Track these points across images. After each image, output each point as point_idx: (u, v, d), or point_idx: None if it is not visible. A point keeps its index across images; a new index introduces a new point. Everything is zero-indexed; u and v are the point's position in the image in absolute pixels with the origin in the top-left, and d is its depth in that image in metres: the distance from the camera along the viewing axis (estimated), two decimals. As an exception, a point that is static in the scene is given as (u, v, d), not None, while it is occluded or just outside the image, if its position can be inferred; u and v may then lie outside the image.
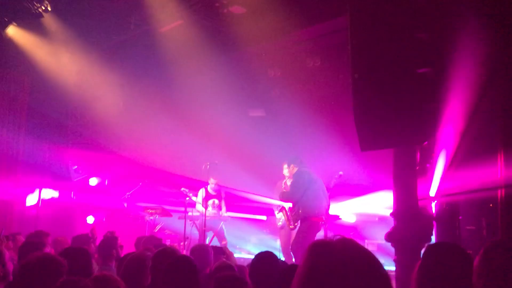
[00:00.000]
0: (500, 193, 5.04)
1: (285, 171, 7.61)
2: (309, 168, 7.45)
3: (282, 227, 7.89)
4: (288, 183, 7.58)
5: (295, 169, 7.40)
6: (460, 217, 5.11)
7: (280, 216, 7.91)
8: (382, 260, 1.20)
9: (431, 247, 2.35)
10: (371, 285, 1.13)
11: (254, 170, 9.49)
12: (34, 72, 9.13)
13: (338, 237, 1.22)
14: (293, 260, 7.53)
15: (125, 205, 9.47)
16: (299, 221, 7.10)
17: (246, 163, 9.45)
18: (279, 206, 7.63)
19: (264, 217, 9.19)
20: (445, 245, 2.90)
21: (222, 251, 4.68)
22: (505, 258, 2.43)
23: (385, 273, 1.18)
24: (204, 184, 8.59)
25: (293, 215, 7.17)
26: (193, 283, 2.73)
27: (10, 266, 3.04)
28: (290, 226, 7.24)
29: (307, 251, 1.22)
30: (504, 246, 2.51)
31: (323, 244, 1.21)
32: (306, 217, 6.99)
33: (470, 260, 2.22)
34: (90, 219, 9.16)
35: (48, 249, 4.63)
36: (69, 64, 9.25)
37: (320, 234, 7.06)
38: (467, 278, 2.12)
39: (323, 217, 7.01)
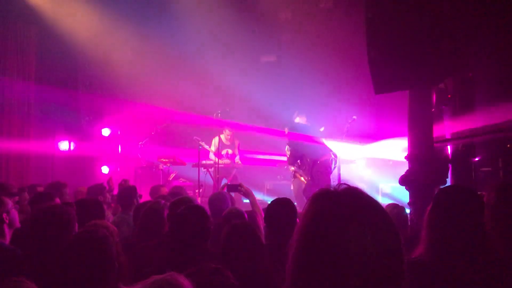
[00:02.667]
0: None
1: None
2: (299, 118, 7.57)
3: (294, 176, 7.94)
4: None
5: (286, 130, 7.55)
6: (476, 159, 5.03)
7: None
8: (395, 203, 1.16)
9: (442, 190, 2.30)
10: (376, 233, 1.08)
11: (266, 116, 9.45)
12: (42, 22, 8.97)
13: (343, 185, 1.16)
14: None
15: (139, 155, 9.55)
16: (311, 172, 7.14)
17: (257, 110, 9.40)
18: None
19: (279, 158, 9.15)
20: (456, 187, 2.87)
21: (239, 186, 4.66)
22: None
23: (391, 222, 1.13)
24: (218, 133, 8.58)
25: (305, 169, 7.26)
26: (204, 231, 2.73)
27: (15, 214, 3.07)
28: (308, 178, 7.27)
29: (310, 199, 1.17)
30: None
31: (326, 192, 1.16)
32: (314, 161, 7.05)
33: (481, 202, 2.18)
34: (105, 169, 9.27)
35: (65, 199, 4.70)
36: (79, 15, 9.04)
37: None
38: (479, 221, 2.08)
39: (331, 154, 7.03)
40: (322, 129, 7.46)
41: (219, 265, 1.91)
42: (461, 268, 1.94)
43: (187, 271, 1.74)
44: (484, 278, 1.93)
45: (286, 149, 7.89)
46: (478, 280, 1.92)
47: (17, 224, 3.10)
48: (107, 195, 5.68)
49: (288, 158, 7.62)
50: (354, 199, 1.12)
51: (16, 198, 4.62)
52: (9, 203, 3.09)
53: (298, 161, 7.38)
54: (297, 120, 7.78)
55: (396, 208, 4.08)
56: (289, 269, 1.13)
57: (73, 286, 2.22)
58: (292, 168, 7.91)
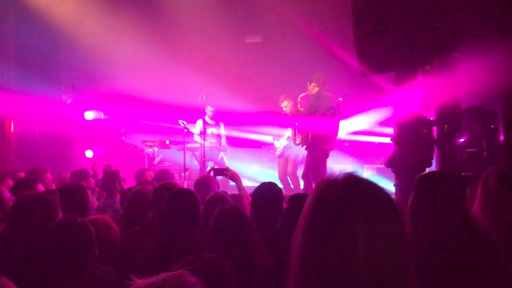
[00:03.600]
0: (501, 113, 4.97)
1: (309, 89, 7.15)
2: (331, 92, 7.04)
3: (280, 156, 7.91)
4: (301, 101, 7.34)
5: (316, 89, 6.99)
6: (461, 140, 5.06)
7: (278, 145, 7.89)
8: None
9: (425, 176, 2.41)
10: (378, 218, 1.09)
11: (252, 98, 9.39)
12: (19, 4, 8.70)
13: (345, 173, 1.17)
14: (292, 187, 7.62)
15: (124, 138, 9.44)
16: (305, 146, 6.99)
17: (243, 92, 9.33)
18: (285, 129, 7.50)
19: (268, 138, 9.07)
20: (438, 173, 2.94)
21: (225, 170, 4.63)
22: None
23: (396, 209, 1.14)
24: (202, 115, 8.49)
25: (303, 136, 7.00)
26: (194, 216, 2.70)
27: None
28: (297, 142, 7.11)
29: (313, 190, 1.18)
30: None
31: (329, 181, 1.16)
32: (315, 144, 6.80)
33: (463, 187, 2.23)
34: (89, 154, 9.15)
35: (47, 186, 4.63)
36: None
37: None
38: (461, 206, 2.14)
39: (333, 146, 6.91)
40: (340, 99, 7.00)
41: (215, 254, 1.88)
42: (444, 249, 1.99)
43: (183, 260, 1.72)
44: (469, 259, 1.96)
45: (299, 97, 7.39)
46: (463, 260, 1.95)
47: None
48: (91, 180, 5.62)
49: (288, 115, 7.26)
50: (358, 187, 1.13)
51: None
52: (6, 193, 3.04)
53: (297, 123, 7.07)
54: (285, 104, 7.69)
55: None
56: (297, 257, 1.13)
57: (52, 274, 2.23)
58: (278, 152, 7.84)
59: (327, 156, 6.84)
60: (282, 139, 7.90)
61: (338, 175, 1.16)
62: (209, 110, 8.46)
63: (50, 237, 2.29)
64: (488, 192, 2.53)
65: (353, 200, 1.09)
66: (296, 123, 7.14)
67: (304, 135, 6.99)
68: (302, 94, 7.28)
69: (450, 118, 4.86)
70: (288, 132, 7.63)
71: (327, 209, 1.11)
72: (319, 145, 6.78)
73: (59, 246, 2.24)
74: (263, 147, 9.42)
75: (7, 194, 3.61)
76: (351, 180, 1.15)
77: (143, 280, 1.37)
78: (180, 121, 8.12)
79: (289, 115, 7.38)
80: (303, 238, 1.13)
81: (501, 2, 4.03)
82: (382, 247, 1.06)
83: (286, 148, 7.83)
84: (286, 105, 7.66)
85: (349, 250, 1.06)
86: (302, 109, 7.28)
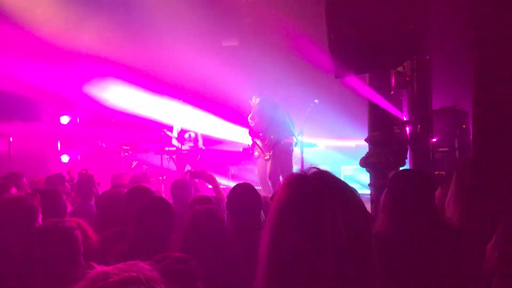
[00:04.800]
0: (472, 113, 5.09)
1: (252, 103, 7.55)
2: (270, 96, 7.47)
3: (258, 157, 7.89)
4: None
5: (257, 100, 7.39)
6: (434, 140, 5.17)
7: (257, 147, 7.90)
8: (356, 185, 1.21)
9: (395, 174, 2.51)
10: (348, 215, 1.12)
11: (228, 101, 9.40)
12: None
13: (313, 169, 1.20)
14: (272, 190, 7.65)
15: (101, 144, 9.33)
16: (272, 149, 7.12)
17: (219, 96, 9.34)
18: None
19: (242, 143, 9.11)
20: (408, 171, 3.02)
21: (201, 172, 4.62)
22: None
23: (361, 204, 1.18)
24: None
25: (266, 144, 7.18)
26: (167, 225, 2.69)
27: None
28: (266, 157, 7.24)
29: (283, 184, 1.20)
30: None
31: (298, 177, 1.19)
32: (277, 141, 7.03)
33: (433, 185, 2.34)
34: (65, 158, 9.02)
35: (23, 191, 4.55)
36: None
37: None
38: (430, 203, 2.24)
39: (294, 138, 7.05)
40: (316, 101, 7.28)
41: (182, 254, 1.89)
42: (415, 242, 2.08)
43: (150, 260, 1.72)
44: (437, 249, 2.06)
45: (249, 117, 7.67)
46: (431, 251, 2.04)
47: None
48: (67, 184, 5.55)
49: (251, 129, 7.46)
50: (326, 182, 1.16)
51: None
52: None
53: (261, 134, 7.28)
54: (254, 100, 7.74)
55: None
56: (264, 253, 1.15)
57: (39, 282, 2.14)
58: (256, 153, 7.86)
59: (292, 150, 7.07)
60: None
61: (306, 171, 1.19)
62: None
63: (36, 242, 2.18)
64: (462, 183, 2.60)
65: (324, 195, 1.12)
66: (261, 134, 7.31)
67: (267, 141, 7.18)
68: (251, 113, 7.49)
69: (423, 118, 4.97)
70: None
71: (298, 204, 1.13)
72: (280, 141, 7.01)
73: (47, 252, 2.13)
74: (242, 149, 9.42)
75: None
76: (321, 176, 1.17)
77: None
78: (164, 130, 8.11)
79: (253, 101, 7.54)
80: (272, 232, 1.15)
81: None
82: (349, 239, 1.09)
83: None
84: (253, 101, 7.77)
85: (317, 242, 1.09)
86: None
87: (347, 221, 1.10)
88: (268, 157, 7.22)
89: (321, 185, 1.15)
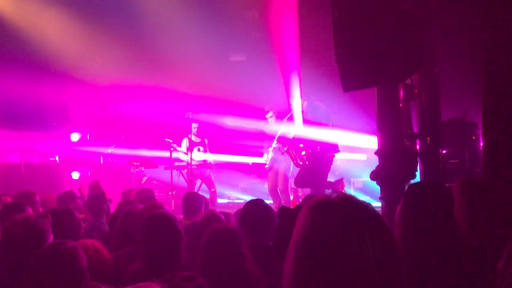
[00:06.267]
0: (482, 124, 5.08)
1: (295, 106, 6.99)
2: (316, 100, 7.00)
3: (269, 169, 7.76)
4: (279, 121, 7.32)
5: (305, 103, 6.92)
6: (444, 151, 5.15)
7: (266, 158, 7.77)
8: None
9: (412, 187, 2.39)
10: (375, 242, 1.12)
11: (237, 116, 9.44)
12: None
13: (335, 193, 1.20)
14: (283, 202, 7.58)
15: (111, 160, 9.39)
16: (309, 160, 6.65)
17: (228, 110, 9.38)
18: (279, 147, 7.19)
19: (250, 159, 9.09)
20: (424, 184, 2.97)
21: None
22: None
23: (389, 229, 1.17)
24: (187, 133, 8.52)
25: (309, 153, 6.64)
26: (175, 238, 2.68)
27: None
28: (300, 163, 6.76)
29: (307, 210, 1.19)
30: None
31: (322, 202, 1.18)
32: (323, 153, 6.57)
33: (450, 197, 2.26)
34: (76, 175, 9.09)
35: (36, 209, 4.57)
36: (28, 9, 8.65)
37: None
38: (449, 215, 2.17)
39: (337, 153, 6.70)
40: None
41: (193, 273, 1.89)
42: (434, 259, 2.01)
43: (160, 279, 1.73)
44: (455, 266, 2.00)
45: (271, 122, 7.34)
46: (450, 268, 1.99)
47: None
48: (79, 201, 5.57)
49: (283, 137, 6.96)
50: (351, 207, 1.15)
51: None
52: None
53: (301, 144, 6.72)
54: (270, 115, 7.71)
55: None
56: (289, 278, 1.14)
57: None
58: (267, 166, 7.73)
59: (331, 163, 6.74)
60: (268, 152, 7.75)
61: (333, 198, 1.18)
62: (194, 126, 8.51)
63: (40, 263, 2.23)
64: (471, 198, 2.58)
65: (350, 223, 1.12)
66: (301, 145, 6.80)
67: (311, 151, 6.65)
68: (288, 115, 7.18)
69: (432, 130, 4.95)
70: (273, 144, 7.44)
71: (325, 232, 1.12)
72: (326, 154, 6.61)
73: (49, 273, 2.17)
74: (251, 163, 9.41)
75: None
76: (346, 202, 1.17)
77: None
78: (166, 139, 8.13)
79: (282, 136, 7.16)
80: (297, 260, 1.14)
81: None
82: (376, 263, 1.10)
83: (273, 160, 7.66)
84: (271, 116, 7.70)
85: (346, 270, 1.09)
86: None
87: (374, 244, 1.11)
88: (302, 163, 6.71)
89: (347, 209, 1.15)
